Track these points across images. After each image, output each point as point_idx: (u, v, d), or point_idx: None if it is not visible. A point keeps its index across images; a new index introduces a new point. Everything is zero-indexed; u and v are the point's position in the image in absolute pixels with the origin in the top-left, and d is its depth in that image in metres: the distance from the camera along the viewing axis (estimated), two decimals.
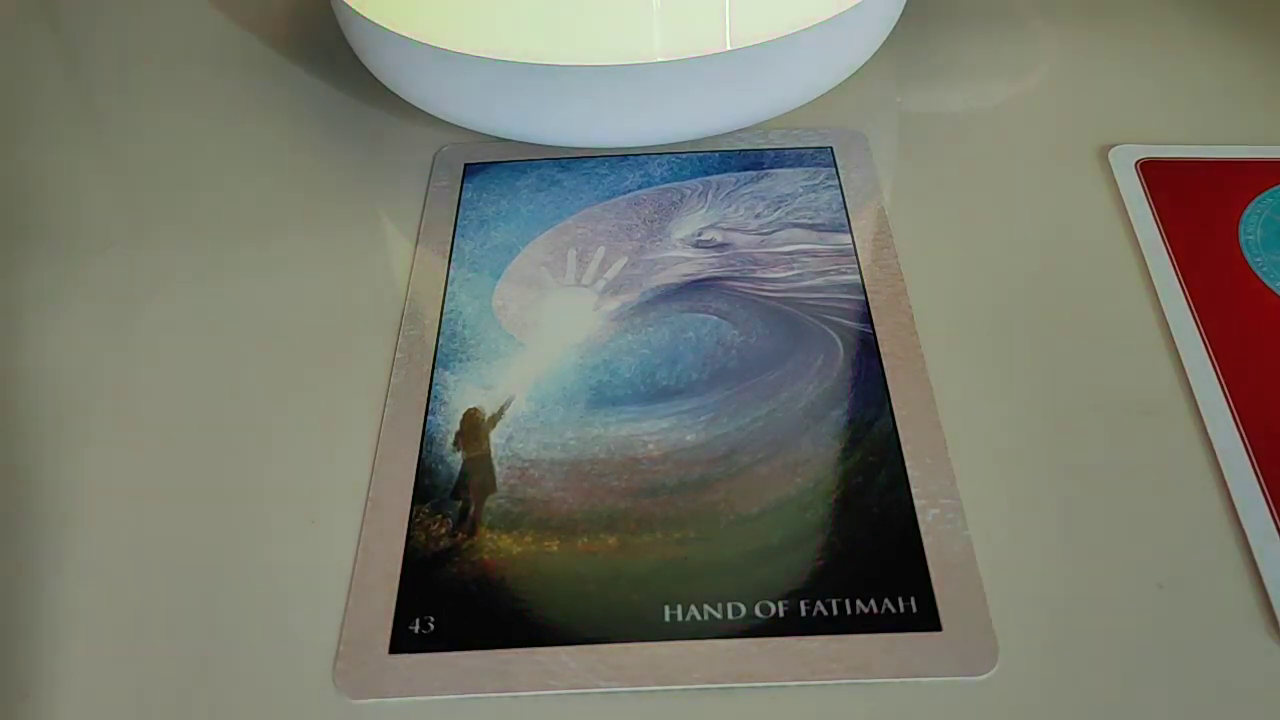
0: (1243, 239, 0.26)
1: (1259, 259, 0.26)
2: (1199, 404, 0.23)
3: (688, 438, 0.23)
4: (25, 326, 0.26)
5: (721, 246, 0.26)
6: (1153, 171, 0.28)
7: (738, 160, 0.29)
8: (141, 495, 0.22)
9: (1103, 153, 0.29)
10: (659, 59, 0.26)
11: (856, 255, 0.26)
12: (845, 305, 0.25)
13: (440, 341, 0.25)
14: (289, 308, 0.26)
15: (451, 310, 0.25)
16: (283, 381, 0.24)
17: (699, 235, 0.27)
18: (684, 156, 0.29)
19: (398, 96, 0.30)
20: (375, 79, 0.31)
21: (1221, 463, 0.22)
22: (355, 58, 0.32)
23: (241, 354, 0.25)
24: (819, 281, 0.26)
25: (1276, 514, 0.21)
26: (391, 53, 0.29)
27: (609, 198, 0.28)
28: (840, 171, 0.28)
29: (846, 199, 0.27)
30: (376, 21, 0.28)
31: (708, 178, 0.28)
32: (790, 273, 0.26)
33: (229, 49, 0.34)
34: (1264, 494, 0.21)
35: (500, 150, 0.30)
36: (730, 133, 0.29)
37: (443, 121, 0.30)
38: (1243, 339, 0.24)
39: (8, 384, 0.25)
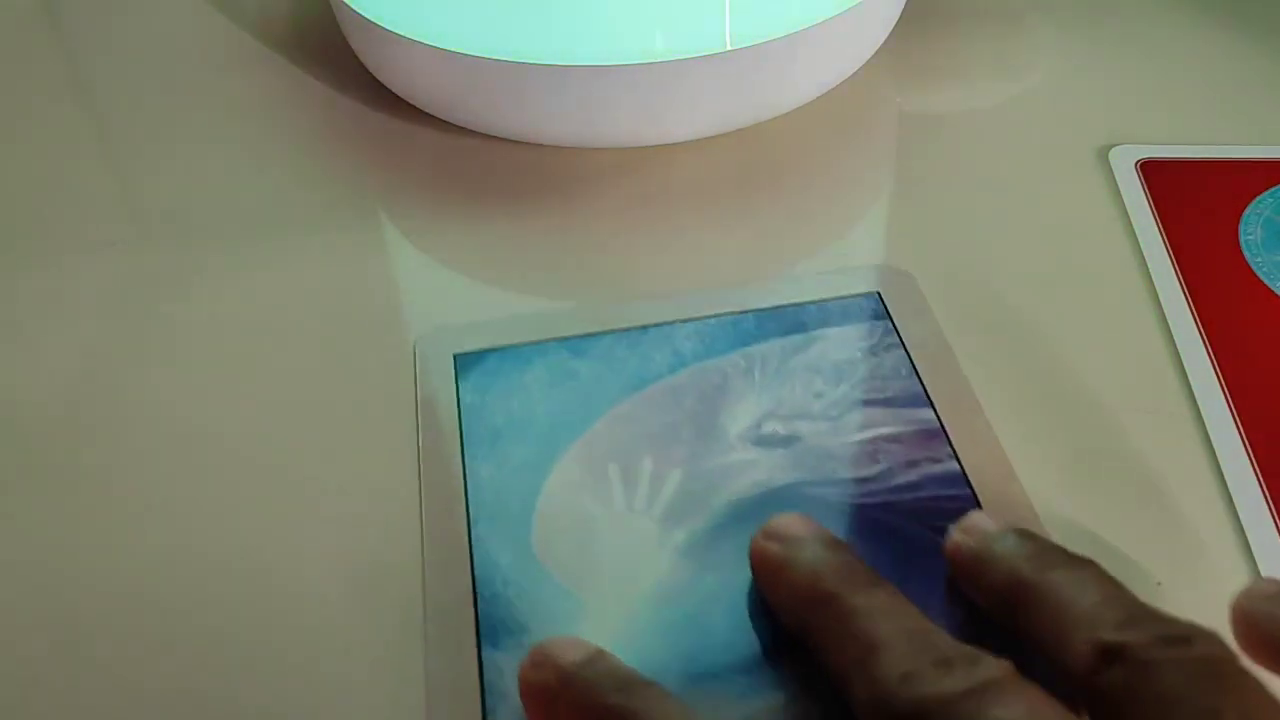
0: (1243, 239, 0.26)
1: (1259, 259, 0.26)
2: (1199, 404, 0.23)
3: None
4: (25, 326, 0.26)
5: (788, 441, 0.22)
6: (1153, 171, 0.28)
7: (776, 322, 0.24)
8: (140, 495, 0.22)
9: (1103, 153, 0.29)
10: (660, 59, 0.26)
11: (946, 434, 0.22)
12: (951, 505, 0.21)
13: (480, 610, 0.20)
14: (288, 310, 0.26)
15: (483, 565, 0.20)
16: (291, 391, 0.24)
17: (759, 428, 0.22)
18: (712, 322, 0.24)
19: (398, 97, 0.30)
20: (375, 79, 0.31)
21: (1221, 463, 0.22)
22: (356, 58, 0.32)
23: (241, 353, 0.25)
24: (912, 476, 0.21)
25: (1276, 514, 0.21)
26: (392, 53, 0.29)
27: (639, 388, 0.23)
28: (896, 323, 0.24)
29: (915, 360, 0.23)
30: (377, 22, 0.28)
31: (747, 349, 0.24)
32: (876, 468, 0.22)
33: (229, 49, 0.34)
34: (1264, 494, 0.21)
35: (490, 333, 0.25)
36: (758, 283, 0.25)
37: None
38: (1243, 339, 0.24)
39: (8, 383, 0.25)
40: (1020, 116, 0.30)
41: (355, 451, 0.23)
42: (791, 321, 0.24)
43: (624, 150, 0.29)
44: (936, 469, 0.21)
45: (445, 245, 0.27)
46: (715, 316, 0.24)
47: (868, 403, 0.23)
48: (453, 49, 0.27)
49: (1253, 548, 0.21)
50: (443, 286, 0.27)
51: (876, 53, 0.31)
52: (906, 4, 0.31)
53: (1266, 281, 0.25)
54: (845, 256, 0.27)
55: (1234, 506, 0.21)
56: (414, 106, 0.30)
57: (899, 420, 0.22)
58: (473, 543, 0.20)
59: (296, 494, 0.22)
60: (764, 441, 0.22)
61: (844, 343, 0.24)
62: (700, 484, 0.21)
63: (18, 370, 0.25)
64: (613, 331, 0.24)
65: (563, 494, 0.21)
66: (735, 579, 0.20)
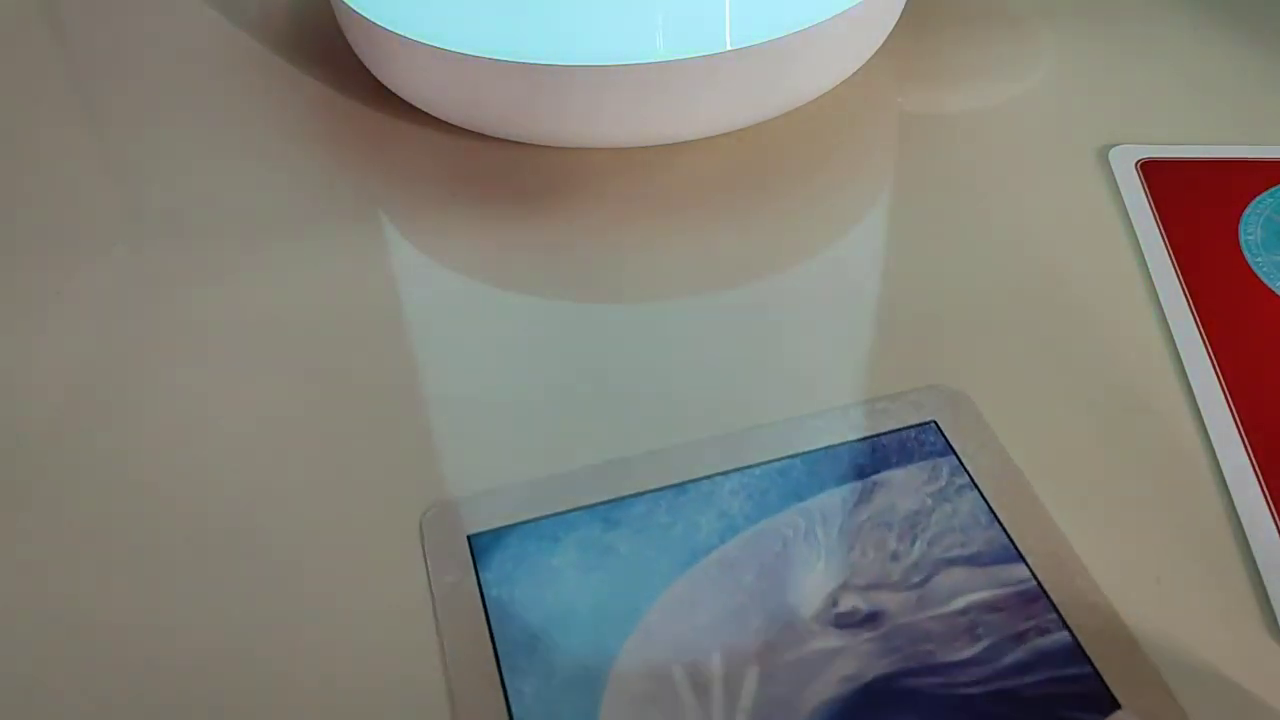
0: (1243, 239, 0.26)
1: (1259, 259, 0.26)
2: (1199, 404, 0.23)
3: None
4: (25, 327, 0.26)
5: (873, 620, 0.19)
6: (1153, 171, 0.28)
7: (830, 466, 0.22)
8: (139, 497, 0.22)
9: (1103, 153, 0.29)
10: (659, 59, 0.26)
11: (1047, 596, 0.20)
12: (1076, 688, 0.18)
13: None
14: (288, 306, 0.26)
15: None
16: (296, 388, 0.24)
17: (835, 606, 0.19)
18: (758, 472, 0.22)
19: (398, 97, 0.30)
20: (375, 79, 0.31)
21: (1221, 463, 0.22)
22: (355, 58, 0.32)
23: (241, 355, 0.25)
24: (1022, 654, 0.19)
25: (1276, 514, 0.21)
26: (392, 53, 0.29)
27: (690, 563, 0.20)
28: (963, 459, 0.22)
29: (993, 505, 0.21)
30: (377, 22, 0.28)
31: (803, 504, 0.21)
32: (979, 646, 0.19)
33: (229, 50, 0.34)
34: (1264, 494, 0.21)
35: (506, 505, 0.21)
36: (799, 419, 0.23)
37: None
38: (1243, 339, 0.24)
39: (7, 385, 0.25)
40: (1020, 116, 0.30)
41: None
42: (846, 465, 0.21)
43: (623, 150, 0.29)
44: (1047, 642, 0.19)
45: (445, 246, 0.27)
46: (760, 465, 0.22)
47: (952, 562, 0.20)
48: (453, 49, 0.27)
49: (1253, 548, 0.21)
50: (443, 288, 0.27)
51: (876, 53, 0.31)
52: (906, 4, 0.31)
53: (1266, 281, 0.25)
54: (843, 256, 0.27)
55: (1234, 506, 0.21)
56: (414, 106, 0.30)
57: (991, 581, 0.20)
58: None
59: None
60: (844, 622, 0.19)
61: (909, 488, 0.21)
62: (783, 685, 0.18)
63: (16, 371, 0.25)
64: (647, 493, 0.21)
65: (626, 711, 0.18)
66: None
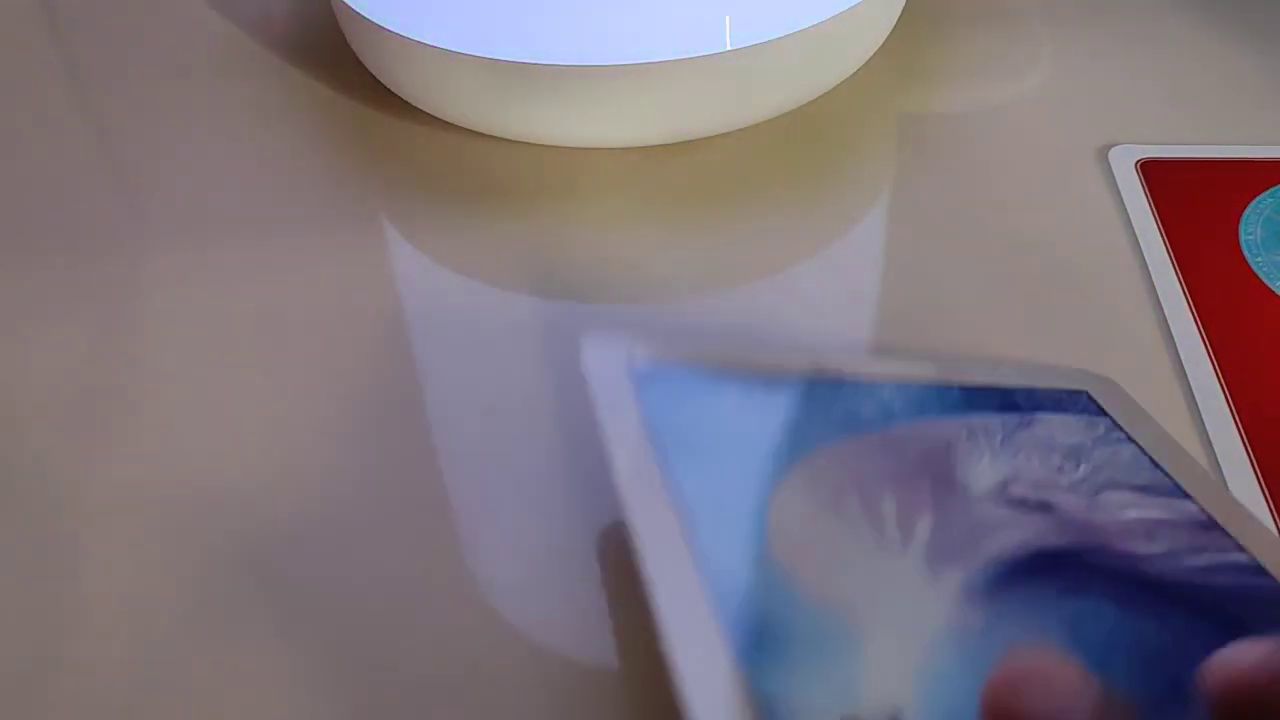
0: (1243, 239, 0.26)
1: (1259, 259, 0.26)
2: (1199, 404, 0.23)
3: None
4: (25, 327, 0.26)
5: (1044, 508, 0.18)
6: (1153, 171, 0.28)
7: (986, 398, 0.21)
8: (138, 498, 0.22)
9: (1103, 153, 0.29)
10: (659, 59, 0.26)
11: (1223, 529, 0.18)
12: (1263, 596, 0.17)
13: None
14: (289, 307, 0.26)
15: (714, 574, 0.16)
16: (286, 382, 0.24)
17: (1005, 491, 0.19)
18: (915, 388, 0.21)
19: (398, 97, 0.30)
20: (376, 79, 0.31)
21: (1221, 463, 0.22)
22: (356, 58, 0.32)
23: (240, 356, 0.25)
24: (1206, 560, 0.18)
25: (1276, 514, 0.21)
26: (392, 53, 0.29)
27: (850, 432, 0.19)
28: (1120, 420, 0.21)
29: (1156, 459, 0.20)
30: (376, 22, 0.28)
31: (965, 416, 0.20)
32: (1157, 546, 0.18)
33: (228, 50, 0.34)
34: (1264, 494, 0.21)
35: (665, 349, 0.20)
36: (956, 368, 0.22)
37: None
38: (1243, 339, 0.24)
39: (8, 385, 0.25)
40: (1020, 116, 0.30)
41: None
42: (1002, 401, 0.20)
43: (623, 150, 0.29)
44: (1227, 558, 0.18)
45: (446, 246, 0.27)
46: (916, 385, 0.21)
47: (1119, 486, 0.19)
48: (453, 49, 0.27)
49: None
50: (443, 287, 0.27)
51: (876, 53, 0.31)
52: (906, 4, 0.31)
53: (1266, 281, 0.25)
54: (843, 254, 0.27)
55: None
56: (414, 106, 0.30)
57: (1162, 509, 0.19)
58: (694, 556, 0.16)
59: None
60: (1015, 504, 0.18)
61: (1067, 429, 0.20)
62: (956, 533, 0.17)
63: (16, 370, 0.25)
64: (805, 375, 0.20)
65: (796, 514, 0.17)
66: (1042, 626, 0.16)
